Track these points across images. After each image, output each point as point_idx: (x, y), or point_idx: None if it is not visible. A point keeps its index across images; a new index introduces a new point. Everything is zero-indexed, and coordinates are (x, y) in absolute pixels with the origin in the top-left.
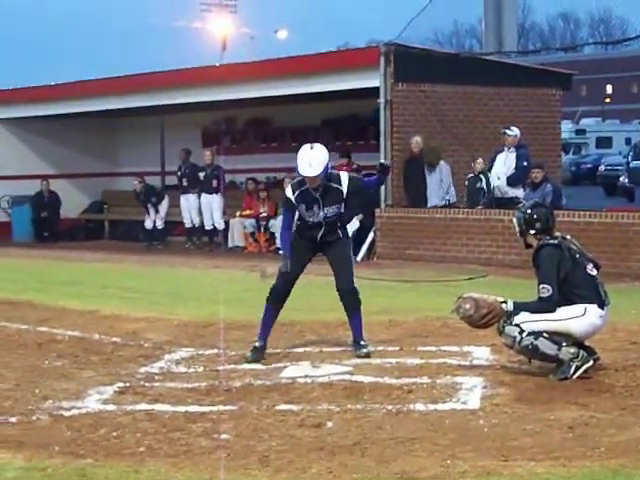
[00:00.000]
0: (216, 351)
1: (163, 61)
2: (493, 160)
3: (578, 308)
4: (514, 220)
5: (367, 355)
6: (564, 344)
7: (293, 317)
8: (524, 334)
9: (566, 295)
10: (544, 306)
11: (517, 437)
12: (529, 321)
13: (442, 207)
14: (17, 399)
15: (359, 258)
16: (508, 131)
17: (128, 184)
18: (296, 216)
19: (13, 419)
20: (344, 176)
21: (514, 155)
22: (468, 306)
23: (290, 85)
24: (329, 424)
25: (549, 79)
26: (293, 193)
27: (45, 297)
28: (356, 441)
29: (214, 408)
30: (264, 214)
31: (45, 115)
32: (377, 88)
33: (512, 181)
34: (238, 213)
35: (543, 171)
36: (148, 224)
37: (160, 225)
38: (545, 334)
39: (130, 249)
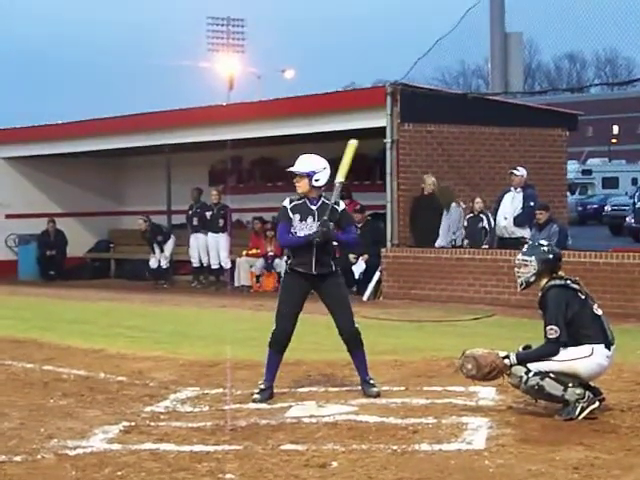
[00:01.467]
0: (222, 390)
1: (170, 100)
2: (500, 200)
3: (585, 349)
4: (532, 260)
5: (378, 394)
6: (570, 385)
7: (299, 357)
8: (530, 374)
9: (573, 336)
10: (548, 350)
11: (523, 478)
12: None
13: (449, 247)
14: (22, 438)
15: (365, 298)
16: (515, 171)
17: (134, 223)
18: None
19: (18, 458)
20: (342, 203)
21: (521, 195)
22: (470, 366)
23: (296, 125)
24: (334, 464)
25: (555, 119)
26: (290, 203)
27: (51, 336)
28: None
29: (219, 448)
30: (271, 253)
31: (52, 154)
32: (383, 128)
33: (519, 221)
34: (244, 252)
35: (547, 212)
36: (153, 263)
37: (165, 264)
38: (552, 374)
39: (136, 288)
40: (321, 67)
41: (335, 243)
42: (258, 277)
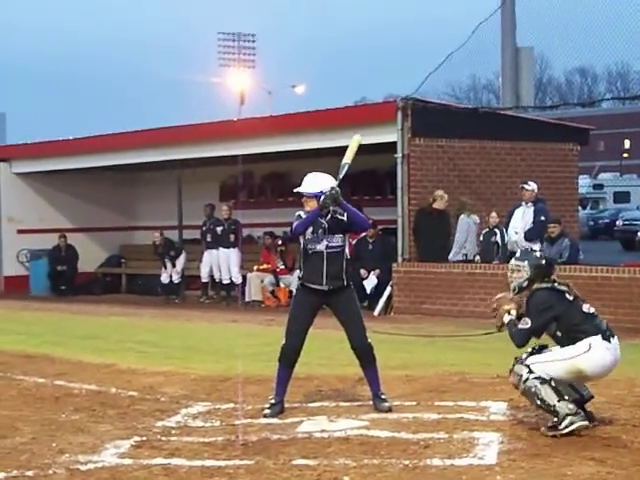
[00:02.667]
0: (233, 405)
1: (182, 115)
2: (511, 215)
3: (582, 344)
4: (525, 265)
5: (389, 409)
6: (566, 398)
7: (310, 371)
8: (532, 375)
9: (567, 334)
10: (517, 333)
11: None
12: (539, 362)
13: (460, 260)
14: (34, 453)
15: (376, 313)
16: (526, 186)
17: (145, 238)
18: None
19: (30, 473)
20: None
21: (532, 210)
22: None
23: (307, 140)
24: (345, 479)
25: (566, 134)
26: (305, 214)
27: (62, 351)
28: None
29: (230, 462)
30: (282, 268)
31: (63, 169)
32: (394, 143)
33: (530, 236)
34: (255, 267)
35: (560, 226)
36: (165, 278)
37: (177, 279)
38: (553, 383)
39: (147, 303)
40: (332, 82)
41: (347, 254)
42: (272, 292)
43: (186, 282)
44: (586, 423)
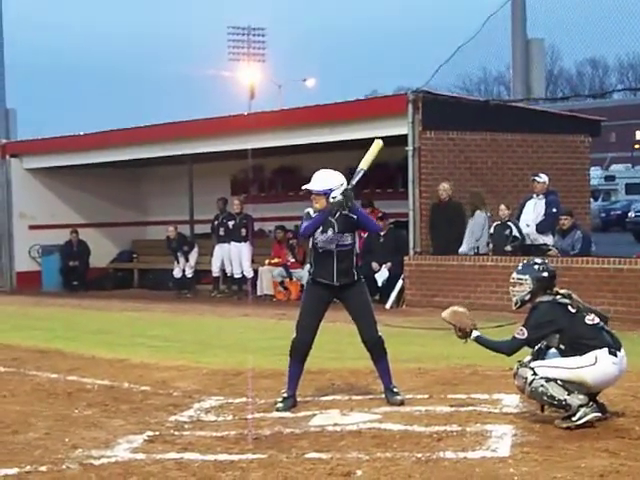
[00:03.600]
0: (245, 399)
1: (192, 109)
2: (522, 207)
3: (589, 357)
4: (527, 279)
5: (402, 402)
6: (575, 392)
7: (322, 365)
8: (536, 377)
9: (571, 346)
10: (507, 345)
11: None
12: (544, 367)
13: (471, 254)
14: (47, 448)
15: (388, 306)
16: (537, 178)
17: (157, 233)
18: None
19: (43, 468)
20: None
21: (543, 202)
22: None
23: (318, 133)
24: (358, 472)
25: (578, 126)
26: (314, 212)
27: (75, 346)
28: None
29: (243, 457)
30: (293, 262)
31: (75, 165)
32: (405, 136)
33: (541, 228)
34: (267, 261)
35: (572, 218)
36: (177, 273)
37: (190, 274)
38: (559, 381)
39: (159, 298)
40: (342, 75)
41: (356, 249)
42: (282, 283)
43: (197, 277)
44: (599, 414)
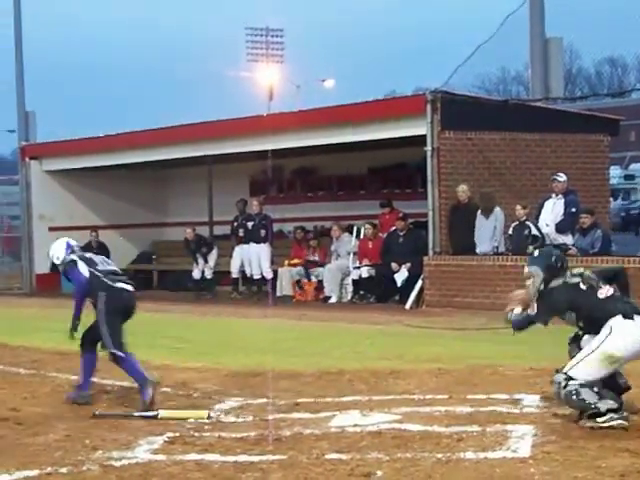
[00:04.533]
0: (265, 400)
1: (212, 111)
2: (541, 207)
3: (605, 330)
4: (537, 269)
5: None
6: (607, 397)
7: (342, 366)
8: (570, 382)
9: (589, 322)
10: (518, 318)
11: None
12: (574, 365)
13: (491, 254)
14: (67, 450)
15: (407, 306)
16: (557, 177)
17: (177, 234)
18: None
19: (63, 469)
20: None
21: (562, 202)
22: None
23: (337, 134)
24: (379, 473)
25: (597, 125)
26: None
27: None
28: None
29: (264, 457)
30: (314, 262)
31: (94, 167)
32: (424, 136)
33: (561, 228)
34: (286, 262)
35: (592, 217)
36: (196, 274)
37: (209, 275)
38: (595, 388)
39: (179, 299)
40: (361, 76)
41: None
42: (299, 282)
43: (217, 278)
44: (626, 423)
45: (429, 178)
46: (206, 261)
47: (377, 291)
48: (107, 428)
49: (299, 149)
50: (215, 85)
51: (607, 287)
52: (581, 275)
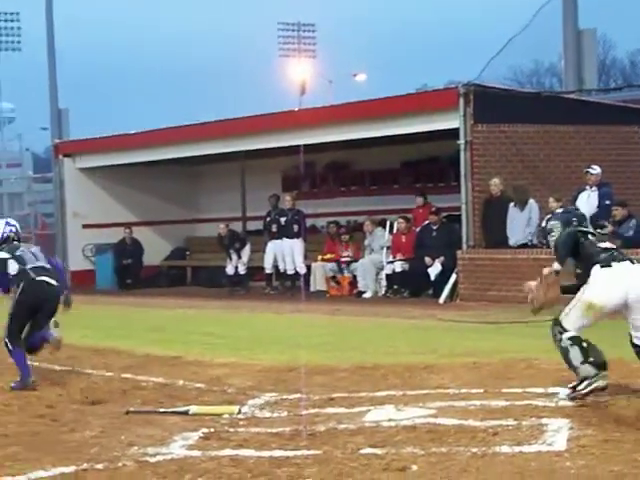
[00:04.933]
0: (299, 396)
1: (244, 106)
2: (575, 199)
3: (590, 280)
4: (557, 224)
5: None
6: (591, 360)
7: (376, 360)
8: (565, 335)
9: (584, 271)
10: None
11: (604, 479)
12: (565, 313)
13: (524, 246)
14: (103, 446)
15: (441, 300)
16: (591, 170)
17: (210, 230)
18: None
19: (99, 466)
20: None
21: (596, 194)
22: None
23: (369, 128)
24: (413, 467)
25: (631, 116)
26: None
27: (129, 344)
28: None
29: (298, 453)
30: (347, 257)
31: (127, 163)
32: (457, 129)
33: (596, 220)
34: (320, 257)
35: (624, 208)
36: (230, 270)
37: (242, 271)
38: (584, 344)
39: (212, 295)
40: (393, 70)
41: None
42: (334, 277)
43: (250, 273)
44: (603, 383)
45: (462, 172)
46: (239, 257)
47: (411, 285)
48: (142, 424)
49: (331, 144)
50: (247, 81)
51: (609, 242)
52: (594, 233)
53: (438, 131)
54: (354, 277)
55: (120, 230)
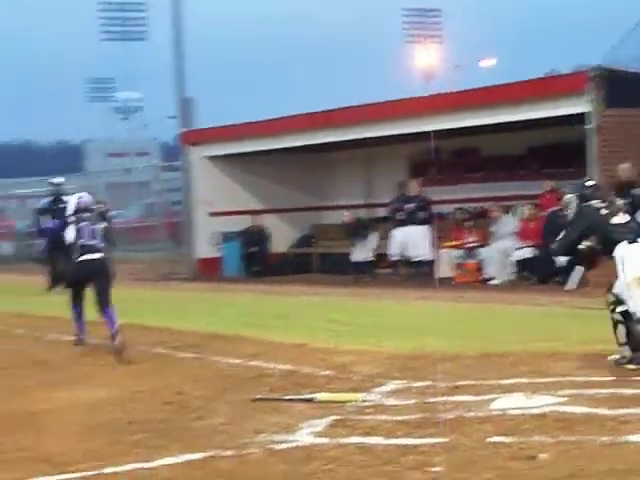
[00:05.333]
0: (426, 383)
1: (371, 92)
2: None
3: (614, 258)
4: (572, 196)
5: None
6: (625, 342)
7: (504, 348)
8: (618, 308)
9: (604, 245)
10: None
11: None
12: (617, 285)
13: None
14: (230, 433)
15: (568, 287)
16: None
17: (335, 217)
18: None
19: (227, 453)
20: None
21: None
22: None
23: (496, 114)
24: (542, 456)
25: None
26: None
27: (256, 331)
28: (571, 473)
29: (425, 440)
30: (473, 244)
31: (254, 151)
32: (585, 114)
33: None
34: (446, 244)
35: None
36: (356, 257)
37: (368, 258)
38: (630, 324)
39: (338, 282)
40: (520, 55)
41: None
42: (460, 264)
43: (376, 260)
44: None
45: (590, 157)
46: (365, 244)
47: (539, 272)
48: (268, 412)
49: (458, 130)
50: (372, 67)
51: (624, 215)
52: (610, 202)
53: (565, 116)
54: (480, 264)
55: (247, 218)
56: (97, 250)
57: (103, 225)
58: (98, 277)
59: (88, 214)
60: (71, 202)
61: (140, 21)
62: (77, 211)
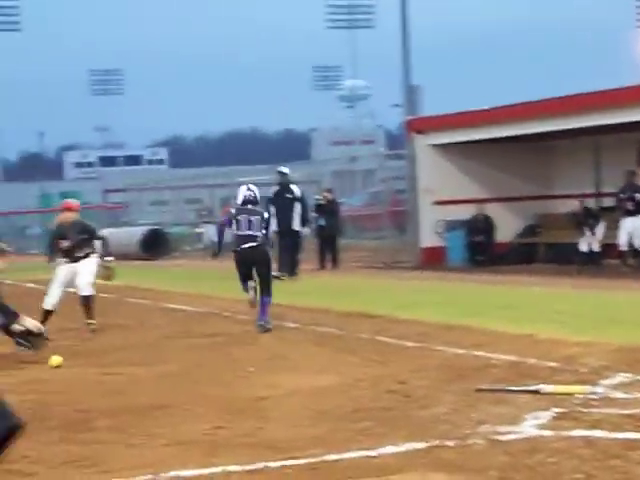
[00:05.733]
0: None
1: (598, 80)
2: None
3: None
4: None
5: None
6: None
7: None
8: None
9: None
10: None
11: None
12: None
13: None
14: (453, 423)
15: None
16: None
17: (562, 206)
18: None
19: (450, 443)
20: None
21: None
22: None
23: None
24: None
25: None
26: None
27: (480, 321)
28: None
29: None
30: None
31: (478, 140)
32: None
33: None
34: None
35: None
36: (583, 247)
37: (596, 248)
38: None
39: (563, 272)
40: None
41: None
42: None
43: (604, 250)
44: None
45: None
46: (593, 234)
47: None
48: (492, 402)
49: None
50: (601, 54)
51: None
52: None
53: None
54: None
55: (471, 207)
56: (253, 239)
57: (259, 216)
58: (257, 264)
59: (251, 206)
60: (240, 193)
61: (367, 9)
62: (244, 202)
